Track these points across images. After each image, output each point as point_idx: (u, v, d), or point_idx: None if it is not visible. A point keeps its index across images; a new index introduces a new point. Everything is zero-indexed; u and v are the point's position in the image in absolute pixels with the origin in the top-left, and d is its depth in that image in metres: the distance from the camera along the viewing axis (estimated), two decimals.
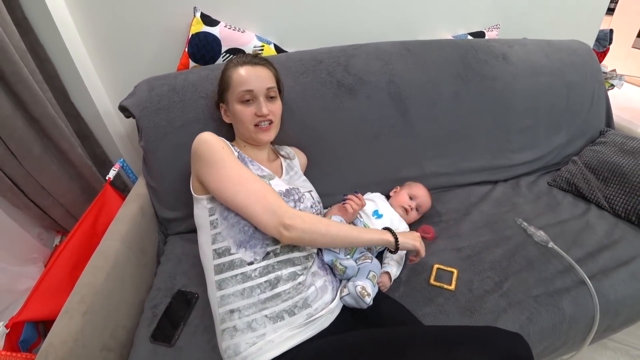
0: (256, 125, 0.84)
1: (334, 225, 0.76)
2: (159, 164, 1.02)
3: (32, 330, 0.88)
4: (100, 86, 1.22)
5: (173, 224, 1.06)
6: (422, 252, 0.82)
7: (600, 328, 0.89)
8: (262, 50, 1.18)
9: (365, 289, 0.72)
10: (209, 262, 0.76)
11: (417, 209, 1.01)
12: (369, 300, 0.71)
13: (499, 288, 0.86)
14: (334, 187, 1.05)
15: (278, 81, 0.89)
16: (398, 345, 0.61)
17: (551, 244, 0.94)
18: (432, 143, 1.14)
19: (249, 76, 0.82)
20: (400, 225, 0.96)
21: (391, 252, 0.79)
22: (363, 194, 1.05)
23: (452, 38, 1.32)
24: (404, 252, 0.91)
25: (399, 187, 1.08)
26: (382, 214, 0.96)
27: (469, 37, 1.32)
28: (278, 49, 1.21)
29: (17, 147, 1.00)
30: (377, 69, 1.07)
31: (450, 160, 1.17)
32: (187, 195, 0.93)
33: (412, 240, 0.81)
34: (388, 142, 1.10)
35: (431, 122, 1.12)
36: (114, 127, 1.26)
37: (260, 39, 1.19)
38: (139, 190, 1.07)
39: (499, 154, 1.20)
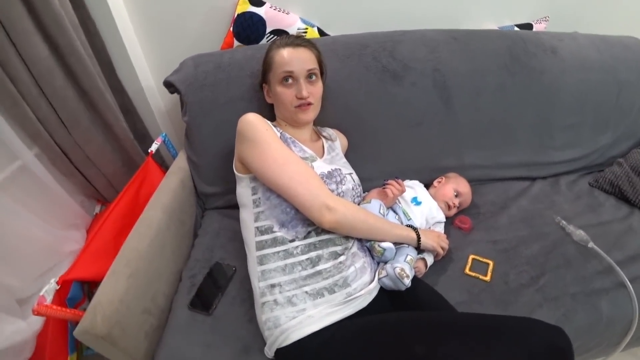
0: (297, 106, 0.84)
1: (371, 216, 0.79)
2: (201, 140, 1.04)
3: (78, 289, 0.93)
4: (144, 62, 1.25)
5: (211, 198, 1.09)
6: (440, 255, 0.86)
7: (637, 333, 0.86)
8: (306, 32, 1.18)
9: (404, 270, 0.73)
10: (251, 238, 0.78)
11: (458, 207, 1.01)
12: (407, 282, 0.72)
13: (535, 283, 0.85)
14: (373, 172, 1.06)
15: (320, 63, 0.89)
16: (439, 330, 0.62)
17: (591, 244, 0.92)
18: (473, 134, 1.12)
19: (290, 57, 0.82)
20: (437, 214, 0.96)
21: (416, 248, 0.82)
22: (402, 181, 1.05)
23: (498, 29, 1.27)
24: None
25: (444, 178, 1.07)
26: (421, 202, 0.96)
27: (516, 28, 1.28)
28: (321, 32, 1.21)
29: (67, 117, 1.04)
30: (423, 56, 1.06)
31: (490, 153, 1.15)
32: (227, 172, 0.96)
33: (433, 241, 0.84)
34: (429, 130, 1.09)
35: (474, 112, 1.10)
36: (155, 103, 1.30)
37: (304, 21, 1.18)
38: (180, 164, 1.10)
39: (540, 150, 1.17)
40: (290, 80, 0.83)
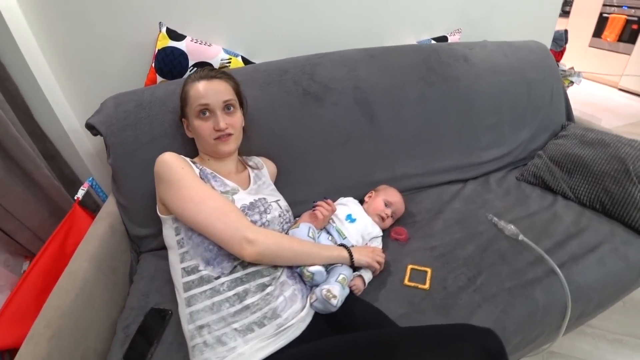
0: (216, 138, 0.82)
1: (296, 242, 0.77)
2: (128, 181, 0.99)
3: None
4: (66, 104, 1.19)
5: (145, 241, 1.03)
6: (377, 270, 0.86)
7: (574, 315, 0.89)
8: (230, 62, 1.17)
9: (330, 291, 0.71)
10: (178, 280, 0.74)
11: (392, 216, 1.01)
12: (335, 302, 0.70)
13: (472, 283, 0.86)
14: (307, 194, 1.04)
15: (238, 93, 0.89)
16: (373, 351, 0.60)
17: (521, 237, 0.95)
18: (401, 145, 1.15)
19: (205, 90, 0.81)
20: (373, 230, 0.96)
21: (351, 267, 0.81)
22: (335, 199, 1.05)
23: (416, 43, 1.35)
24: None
25: (373, 192, 1.08)
26: (355, 219, 0.95)
27: (432, 41, 1.35)
28: (246, 61, 1.21)
29: None
30: (342, 76, 1.08)
31: (420, 162, 1.18)
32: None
33: (367, 257, 0.83)
34: (358, 147, 1.10)
35: (399, 124, 1.13)
36: (82, 146, 1.23)
37: (227, 51, 1.18)
38: (109, 208, 1.04)
39: (467, 153, 1.22)
40: (207, 114, 0.81)
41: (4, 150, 1.01)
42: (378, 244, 0.95)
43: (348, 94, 1.08)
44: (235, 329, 0.65)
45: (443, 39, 1.37)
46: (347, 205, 1.00)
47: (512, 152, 1.26)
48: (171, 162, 0.75)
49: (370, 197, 1.07)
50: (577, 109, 1.42)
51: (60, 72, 1.14)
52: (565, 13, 3.42)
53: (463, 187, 1.18)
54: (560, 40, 1.94)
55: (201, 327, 0.67)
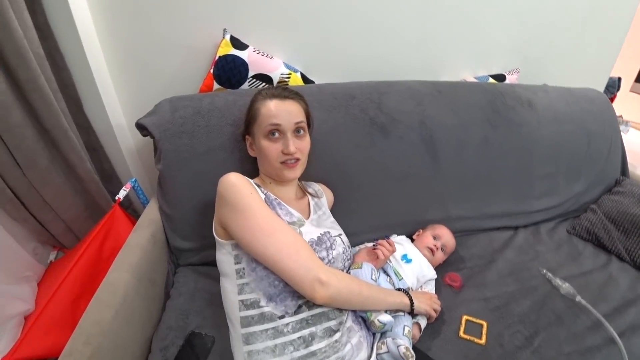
0: (282, 162, 0.79)
1: (365, 286, 0.74)
2: (176, 190, 0.96)
3: None
4: (116, 99, 1.18)
5: (186, 254, 0.99)
6: (433, 318, 0.83)
7: None
8: (289, 78, 1.15)
9: (409, 349, 0.68)
10: (234, 312, 0.70)
11: (442, 249, 0.99)
12: None
13: (530, 344, 0.83)
14: (359, 226, 1.03)
15: (308, 116, 0.86)
16: None
17: (578, 298, 0.92)
18: (458, 186, 1.13)
19: (277, 110, 0.78)
20: (429, 272, 0.94)
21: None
22: (388, 237, 1.00)
23: (474, 79, 1.32)
24: None
25: (421, 230, 1.07)
26: (412, 259, 0.93)
27: (491, 79, 1.33)
28: (304, 78, 1.19)
29: (23, 158, 0.94)
30: (410, 109, 1.07)
31: (473, 204, 1.16)
32: (204, 227, 0.89)
33: (426, 305, 0.81)
34: (416, 184, 1.09)
35: (459, 165, 1.12)
36: (125, 143, 1.21)
37: (287, 66, 1.16)
38: (151, 215, 1.01)
39: (520, 200, 1.20)
40: (277, 135, 0.78)
41: (52, 141, 1.00)
42: (432, 287, 0.93)
43: (414, 129, 1.06)
44: None
45: (501, 77, 1.35)
46: (402, 245, 0.98)
47: (564, 203, 1.25)
48: (239, 186, 0.72)
49: (418, 234, 1.06)
50: None
51: (115, 66, 1.13)
52: None
53: (514, 235, 1.16)
54: (613, 87, 1.91)
55: None
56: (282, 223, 0.71)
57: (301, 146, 0.81)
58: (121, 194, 1.04)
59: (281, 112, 0.78)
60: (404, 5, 1.20)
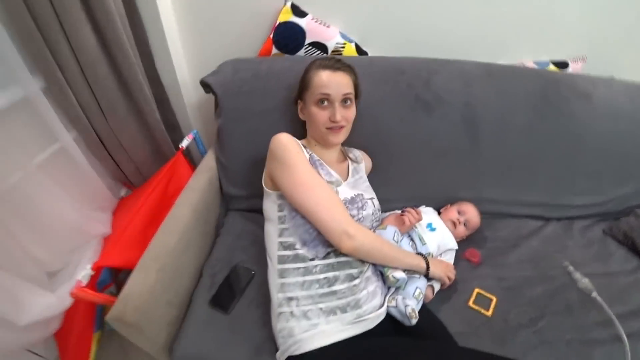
0: (328, 128, 0.93)
1: (386, 244, 0.88)
2: (233, 144, 1.14)
3: (107, 274, 1.05)
4: (183, 56, 1.35)
5: (235, 200, 1.19)
6: (446, 284, 0.95)
7: None
8: (344, 47, 1.25)
9: (414, 311, 0.83)
10: (273, 251, 0.88)
11: (465, 224, 1.10)
12: (414, 321, 0.82)
13: (533, 324, 0.92)
14: (394, 195, 1.15)
15: (356, 87, 0.97)
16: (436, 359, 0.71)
17: (594, 294, 0.97)
18: (494, 170, 1.20)
19: (328, 81, 0.90)
20: (450, 242, 1.05)
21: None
22: (418, 207, 1.14)
23: (533, 64, 1.32)
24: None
25: (449, 205, 1.17)
26: (436, 228, 1.05)
27: (551, 65, 1.32)
28: (358, 48, 1.28)
29: (106, 105, 1.14)
30: (457, 89, 1.14)
31: (508, 190, 1.22)
32: (253, 177, 1.05)
33: (441, 271, 0.93)
34: (453, 162, 1.17)
35: (498, 149, 1.18)
36: (188, 97, 1.39)
37: (343, 36, 1.25)
38: (209, 163, 1.20)
39: (559, 194, 1.24)
40: (326, 103, 0.91)
41: (129, 92, 1.19)
42: (451, 257, 1.05)
43: (458, 109, 1.13)
44: (321, 309, 0.79)
45: (564, 64, 1.33)
46: (428, 215, 1.09)
47: (607, 203, 1.26)
48: (288, 145, 0.87)
49: (446, 208, 1.17)
50: None
51: (184, 27, 1.29)
52: None
53: (544, 225, 1.22)
54: None
55: (290, 298, 0.81)
56: (322, 181, 0.86)
57: (347, 115, 0.93)
58: (184, 143, 1.24)
59: (332, 82, 0.90)
60: None
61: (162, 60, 1.28)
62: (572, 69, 1.34)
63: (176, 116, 1.40)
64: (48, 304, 0.90)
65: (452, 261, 1.04)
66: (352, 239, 0.80)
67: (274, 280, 0.86)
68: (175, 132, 1.41)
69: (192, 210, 1.05)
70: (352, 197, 0.91)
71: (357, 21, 1.28)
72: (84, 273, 0.86)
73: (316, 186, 0.84)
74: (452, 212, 1.12)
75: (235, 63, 1.16)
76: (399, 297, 0.85)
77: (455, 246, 1.06)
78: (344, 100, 0.92)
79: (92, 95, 1.10)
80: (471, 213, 1.11)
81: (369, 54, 1.31)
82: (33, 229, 0.97)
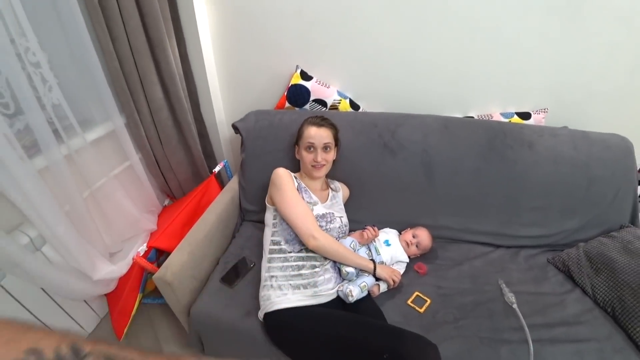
0: (312, 166, 1.39)
1: (342, 248, 1.28)
2: (251, 173, 1.64)
3: (154, 253, 1.59)
4: (220, 103, 1.92)
5: (249, 214, 1.68)
6: (391, 285, 1.29)
7: None
8: (340, 103, 1.72)
9: (351, 292, 1.21)
10: (266, 246, 1.33)
11: (416, 246, 1.45)
12: (351, 299, 1.20)
13: (456, 322, 1.21)
14: (365, 218, 1.57)
15: (336, 138, 1.43)
16: (359, 323, 1.08)
17: (515, 306, 1.25)
18: (449, 203, 1.55)
19: (314, 134, 1.37)
20: (401, 256, 1.41)
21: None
22: (383, 227, 1.54)
23: (500, 115, 1.67)
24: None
25: (409, 228, 1.53)
26: (391, 244, 1.43)
27: (515, 116, 1.67)
28: (353, 103, 1.73)
29: (164, 139, 1.70)
30: (417, 139, 1.53)
31: (461, 219, 1.55)
32: (263, 197, 1.51)
33: (386, 274, 1.29)
34: (412, 196, 1.56)
35: (451, 187, 1.53)
36: (223, 134, 1.95)
37: (339, 94, 1.73)
38: (233, 185, 1.72)
39: (507, 224, 1.53)
40: (312, 149, 1.38)
41: (181, 130, 1.76)
42: (401, 267, 1.40)
43: (417, 155, 1.53)
44: (290, 284, 1.21)
45: (526, 115, 1.66)
46: (388, 234, 1.48)
47: (553, 235, 1.52)
48: (283, 176, 1.34)
49: (405, 231, 1.53)
50: None
51: (223, 82, 1.85)
52: None
53: (492, 251, 1.51)
54: None
55: (272, 276, 1.24)
56: (302, 201, 1.29)
57: (327, 157, 1.38)
58: (216, 169, 1.79)
59: (316, 135, 1.36)
60: (442, 46, 1.56)
61: (206, 106, 1.85)
62: (534, 119, 1.66)
63: (213, 148, 1.98)
64: (111, 269, 1.42)
65: (402, 270, 1.40)
66: (315, 240, 1.23)
67: (264, 265, 1.30)
68: (211, 159, 1.98)
69: (217, 217, 1.56)
70: (323, 214, 1.35)
71: (352, 82, 1.74)
72: (141, 248, 1.41)
73: (297, 204, 1.29)
74: (408, 234, 1.48)
75: (258, 114, 1.69)
76: (345, 283, 1.26)
77: (406, 259, 1.42)
78: (324, 147, 1.38)
79: (155, 131, 1.67)
80: (422, 237, 1.46)
81: (361, 107, 1.76)
82: (106, 219, 1.51)
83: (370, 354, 1.03)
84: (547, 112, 1.67)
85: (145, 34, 1.44)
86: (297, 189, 1.35)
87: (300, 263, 1.25)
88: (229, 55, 1.79)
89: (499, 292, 1.36)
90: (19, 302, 1.26)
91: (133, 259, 1.39)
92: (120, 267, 1.50)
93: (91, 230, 1.42)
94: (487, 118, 1.68)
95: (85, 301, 1.56)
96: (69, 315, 1.49)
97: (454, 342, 1.17)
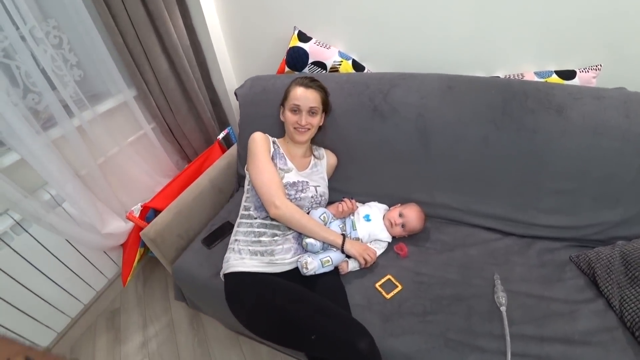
0: (295, 128, 1.33)
1: (306, 219, 1.21)
2: (245, 138, 1.63)
3: (152, 214, 1.73)
4: (231, 71, 1.95)
5: (243, 179, 1.71)
6: (363, 264, 1.20)
7: None
8: (340, 65, 1.60)
9: (307, 264, 1.15)
10: (240, 210, 1.34)
11: (402, 226, 1.29)
12: (305, 272, 1.15)
13: (424, 317, 1.06)
14: (353, 189, 1.47)
15: (324, 102, 1.34)
16: (310, 301, 1.04)
17: (503, 308, 1.05)
18: (447, 177, 1.34)
19: (300, 95, 1.30)
20: (380, 234, 1.29)
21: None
22: (368, 201, 1.43)
23: (534, 75, 1.37)
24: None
25: (398, 205, 1.37)
26: (371, 220, 1.31)
27: (554, 75, 1.35)
28: (357, 64, 1.60)
29: (174, 107, 1.80)
30: (412, 102, 1.34)
31: (464, 198, 1.33)
32: None
33: (356, 251, 1.19)
34: (405, 166, 1.38)
35: (451, 158, 1.32)
36: (234, 101, 1.99)
37: (341, 54, 1.61)
38: (232, 151, 1.76)
39: (521, 208, 1.27)
40: (296, 111, 1.32)
41: (190, 99, 1.83)
42: (380, 247, 1.29)
43: (410, 120, 1.34)
44: (249, 250, 1.20)
45: (570, 74, 1.32)
46: (372, 208, 1.35)
47: (583, 228, 1.21)
48: (257, 140, 1.31)
49: (393, 208, 1.38)
50: None
51: (231, 49, 1.88)
52: None
53: (498, 239, 1.28)
54: None
55: (236, 240, 1.25)
56: (270, 168, 1.25)
57: (311, 121, 1.31)
58: (220, 135, 1.85)
59: (302, 97, 1.30)
60: None
61: (215, 73, 1.91)
62: (580, 79, 1.31)
63: (227, 115, 2.05)
64: (119, 225, 1.62)
65: (380, 250, 1.28)
66: (277, 209, 1.19)
67: (235, 229, 1.32)
68: (225, 126, 2.05)
69: (210, 181, 1.63)
70: (294, 182, 1.29)
71: (356, 41, 1.60)
72: (136, 207, 1.56)
73: (264, 171, 1.25)
74: (394, 212, 1.32)
75: (254, 80, 1.67)
76: (304, 255, 1.20)
77: (387, 239, 1.29)
78: (310, 111, 1.32)
79: (165, 100, 1.77)
80: (410, 217, 1.29)
81: (367, 69, 1.63)
82: (122, 183, 1.70)
83: (301, 332, 1.01)
84: (599, 69, 1.32)
85: (144, 8, 1.53)
86: (273, 156, 1.31)
87: (262, 230, 1.24)
88: (234, 23, 1.80)
89: (490, 288, 1.15)
90: (47, 250, 1.50)
91: (126, 216, 1.54)
92: (128, 224, 1.68)
93: (106, 191, 1.64)
94: (518, 78, 1.39)
95: (105, 252, 1.79)
96: (91, 263, 1.73)
97: (414, 338, 1.04)
